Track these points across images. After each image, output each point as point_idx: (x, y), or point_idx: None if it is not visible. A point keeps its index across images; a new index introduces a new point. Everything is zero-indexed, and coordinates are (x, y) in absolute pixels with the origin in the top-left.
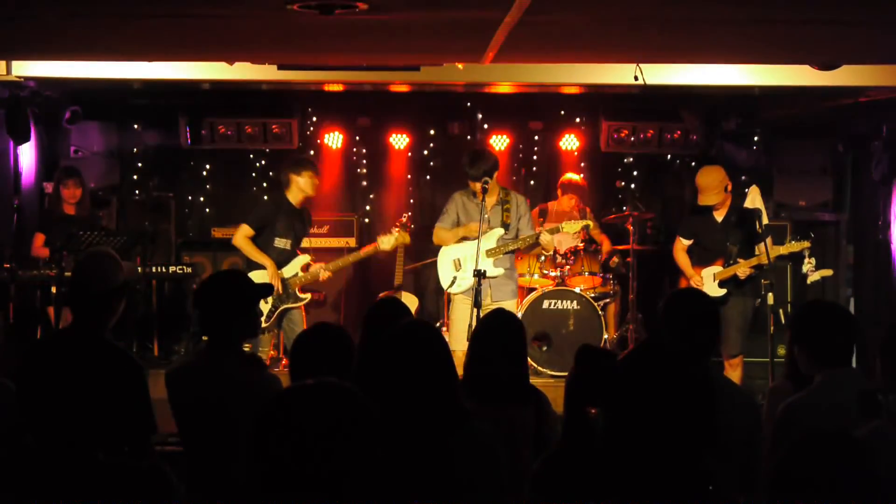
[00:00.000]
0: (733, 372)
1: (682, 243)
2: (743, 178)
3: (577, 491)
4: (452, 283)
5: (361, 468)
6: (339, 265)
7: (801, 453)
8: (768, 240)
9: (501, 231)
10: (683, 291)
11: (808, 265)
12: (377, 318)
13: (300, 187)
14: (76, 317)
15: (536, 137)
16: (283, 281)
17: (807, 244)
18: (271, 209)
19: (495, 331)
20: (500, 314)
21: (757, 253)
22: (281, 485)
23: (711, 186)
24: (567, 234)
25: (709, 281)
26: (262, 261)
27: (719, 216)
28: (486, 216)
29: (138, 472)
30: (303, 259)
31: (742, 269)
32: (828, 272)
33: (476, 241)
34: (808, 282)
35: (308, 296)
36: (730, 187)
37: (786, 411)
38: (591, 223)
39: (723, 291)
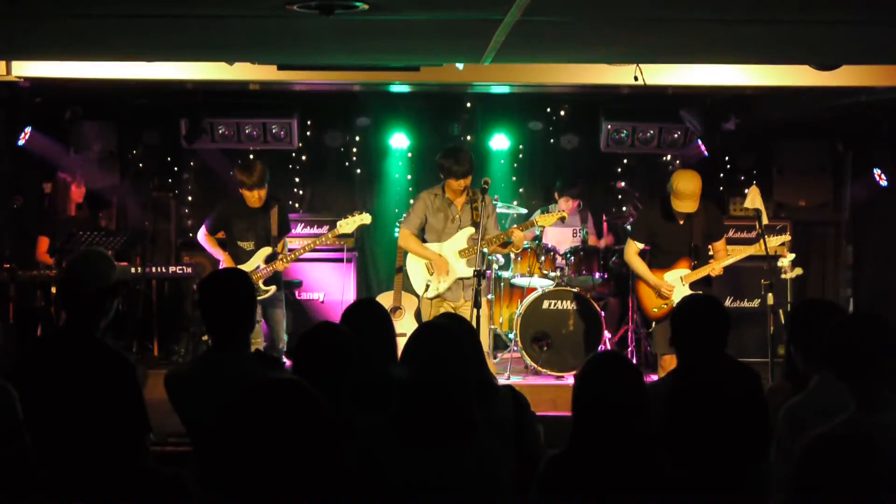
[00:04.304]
0: None
1: (636, 246)
2: (743, 178)
3: (584, 492)
4: (427, 288)
5: (317, 464)
6: (297, 254)
7: (817, 456)
8: (737, 241)
9: (472, 230)
10: (697, 297)
11: (784, 261)
12: (354, 321)
13: (245, 196)
14: (69, 316)
15: (536, 137)
16: None
17: (786, 237)
18: (223, 213)
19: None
20: (448, 318)
21: (711, 253)
22: (244, 483)
23: (693, 194)
24: (566, 234)
25: (678, 284)
26: (218, 254)
27: (680, 217)
28: (457, 216)
29: (162, 477)
30: (264, 252)
31: (717, 269)
32: (798, 271)
33: (444, 243)
34: (783, 277)
35: (272, 288)
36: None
37: (787, 414)
38: (565, 214)
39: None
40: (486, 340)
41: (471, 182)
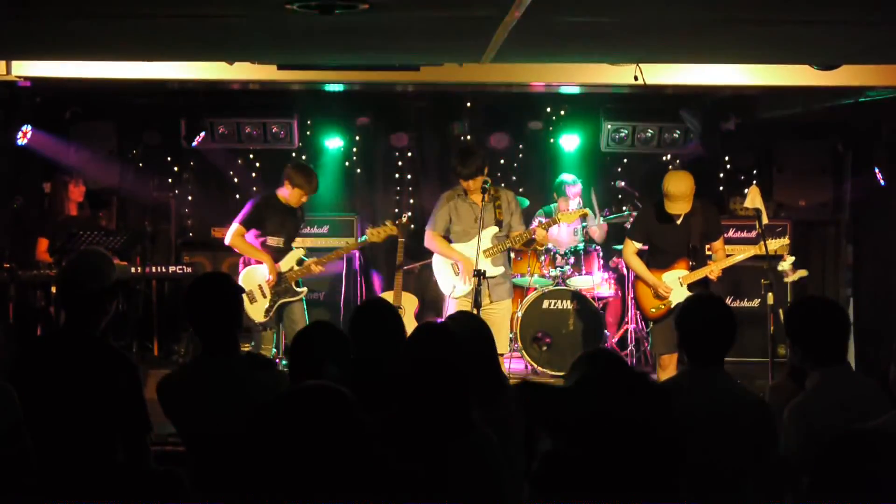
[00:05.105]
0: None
1: (634, 246)
2: (742, 178)
3: (577, 490)
4: (454, 289)
5: (353, 470)
6: (331, 258)
7: (837, 453)
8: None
9: (496, 229)
10: (701, 297)
11: (784, 264)
12: (363, 322)
13: (286, 195)
14: (69, 316)
15: (536, 137)
16: (280, 275)
17: (785, 241)
18: (260, 207)
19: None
20: (462, 317)
21: (709, 252)
22: (275, 487)
23: (684, 196)
24: (567, 233)
25: (676, 286)
26: (260, 257)
27: (676, 218)
28: (479, 215)
29: (153, 475)
30: (297, 254)
31: (715, 271)
32: (803, 272)
33: (472, 242)
34: (786, 281)
35: (304, 289)
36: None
37: (791, 414)
38: (587, 211)
39: None
40: (505, 341)
41: (482, 181)
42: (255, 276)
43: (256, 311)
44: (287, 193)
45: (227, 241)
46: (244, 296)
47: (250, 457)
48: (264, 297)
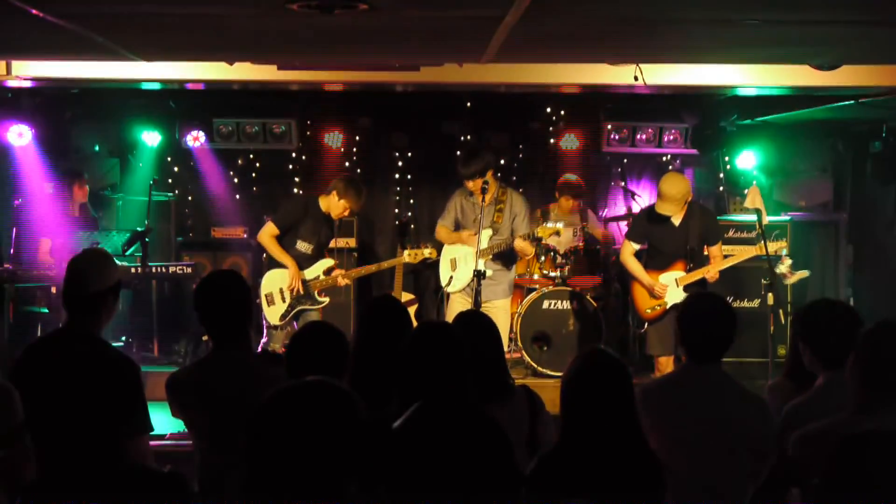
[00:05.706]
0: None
1: (632, 247)
2: (742, 178)
3: (573, 489)
4: (449, 282)
5: (350, 466)
6: (360, 272)
7: (848, 454)
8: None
9: (490, 232)
10: (702, 294)
11: (782, 266)
12: (374, 318)
13: (331, 203)
14: (71, 316)
15: (536, 137)
16: (304, 283)
17: (783, 244)
18: (299, 211)
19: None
20: (471, 315)
21: (706, 254)
22: (273, 484)
23: (676, 198)
24: (568, 233)
25: (672, 286)
26: (285, 261)
27: (676, 219)
28: (479, 216)
29: (156, 475)
30: (326, 262)
31: (712, 272)
32: (804, 274)
33: (466, 243)
34: (785, 283)
35: (327, 299)
36: (690, 198)
37: (790, 413)
38: (560, 228)
39: None
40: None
41: (493, 183)
42: (277, 280)
43: (273, 314)
44: (330, 203)
45: (258, 238)
46: (263, 297)
47: (250, 453)
48: (283, 301)
